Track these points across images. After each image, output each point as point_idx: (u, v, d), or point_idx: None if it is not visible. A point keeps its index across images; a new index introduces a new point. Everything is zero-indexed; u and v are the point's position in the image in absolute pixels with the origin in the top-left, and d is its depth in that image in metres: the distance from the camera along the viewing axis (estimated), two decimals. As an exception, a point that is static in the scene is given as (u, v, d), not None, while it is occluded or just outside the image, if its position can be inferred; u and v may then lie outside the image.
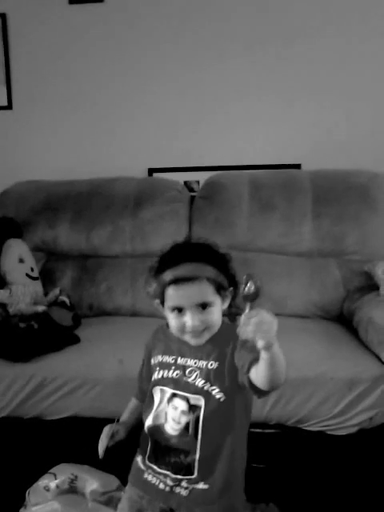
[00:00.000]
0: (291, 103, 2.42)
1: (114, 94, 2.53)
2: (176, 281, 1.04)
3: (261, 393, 0.99)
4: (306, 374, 1.60)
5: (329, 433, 1.58)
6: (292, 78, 2.40)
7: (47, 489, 1.47)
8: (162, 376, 1.12)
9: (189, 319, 1.05)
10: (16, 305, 1.92)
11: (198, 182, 2.46)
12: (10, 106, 2.59)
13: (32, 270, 2.07)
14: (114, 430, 1.16)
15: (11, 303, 1.92)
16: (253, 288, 0.93)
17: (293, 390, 1.58)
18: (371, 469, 1.58)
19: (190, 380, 1.08)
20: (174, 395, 1.09)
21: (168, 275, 1.06)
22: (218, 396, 1.06)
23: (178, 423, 1.08)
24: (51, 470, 1.50)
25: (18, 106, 2.59)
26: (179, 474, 1.07)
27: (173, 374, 1.10)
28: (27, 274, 2.03)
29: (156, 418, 1.11)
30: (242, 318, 0.90)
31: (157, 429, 1.10)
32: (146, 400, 1.15)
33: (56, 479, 1.47)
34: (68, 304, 1.98)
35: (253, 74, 2.42)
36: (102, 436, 1.15)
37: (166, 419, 1.09)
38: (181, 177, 2.44)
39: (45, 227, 2.26)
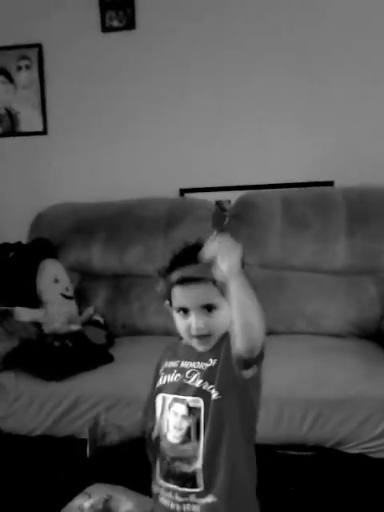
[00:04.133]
0: (323, 120, 2.41)
1: (145, 116, 2.57)
2: (182, 281, 1.03)
3: (247, 360, 0.97)
4: (344, 394, 1.56)
5: (369, 455, 1.53)
6: (323, 94, 2.40)
7: (81, 509, 1.45)
8: (165, 381, 1.09)
9: (193, 321, 1.03)
10: (51, 324, 1.94)
11: (229, 201, 2.46)
12: (45, 132, 2.68)
13: (67, 289, 2.10)
14: (107, 430, 1.11)
15: (46, 322, 1.95)
16: (219, 215, 0.92)
17: (331, 411, 1.54)
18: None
19: (189, 382, 1.05)
20: (174, 400, 1.06)
21: (175, 275, 1.05)
22: (214, 395, 1.03)
23: (180, 429, 1.04)
24: (85, 490, 1.48)
25: (53, 131, 2.67)
26: (186, 487, 1.03)
27: (174, 378, 1.08)
28: (62, 294, 2.06)
29: (160, 428, 1.08)
30: (207, 242, 0.93)
31: (161, 439, 1.07)
32: (150, 411, 1.12)
33: (90, 499, 1.45)
34: (102, 323, 1.99)
35: (284, 92, 2.43)
36: (88, 429, 1.10)
37: (167, 428, 1.06)
38: (212, 196, 2.44)
39: (79, 248, 2.29)
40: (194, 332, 1.04)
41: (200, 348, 1.06)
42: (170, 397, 1.07)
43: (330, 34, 2.38)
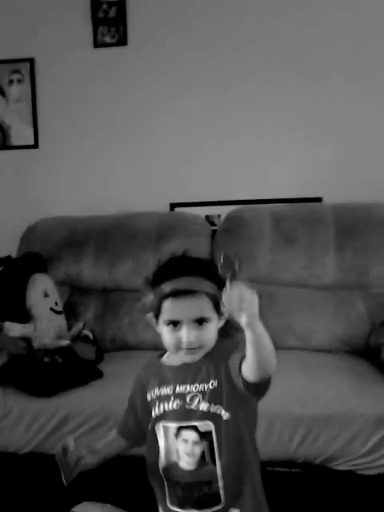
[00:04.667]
0: (312, 137, 2.44)
1: (136, 131, 2.59)
2: (175, 293, 1.00)
3: (256, 390, 0.96)
4: (333, 410, 1.57)
5: (358, 472, 1.53)
6: (312, 112, 2.44)
7: None
8: (164, 410, 1.05)
9: (184, 334, 1.00)
10: (40, 339, 1.93)
11: (219, 216, 2.47)
12: (36, 145, 2.68)
13: (56, 304, 2.09)
14: (80, 455, 1.09)
15: (35, 337, 1.94)
16: (228, 260, 0.90)
17: (320, 428, 1.55)
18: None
19: (193, 407, 1.02)
20: (180, 428, 1.03)
21: (167, 287, 1.01)
22: (223, 415, 1.01)
23: (193, 456, 1.02)
24: (74, 509, 1.47)
25: (44, 145, 2.67)
26: (207, 508, 1.03)
27: (173, 405, 1.04)
28: (52, 308, 2.05)
29: (167, 457, 1.05)
30: (224, 297, 0.89)
31: (171, 468, 1.05)
32: (149, 439, 1.09)
33: (78, 518, 1.44)
34: (91, 338, 1.99)
35: (273, 108, 2.46)
36: (58, 458, 1.09)
37: (178, 456, 1.04)
38: (202, 211, 2.46)
39: (69, 262, 2.29)
40: (185, 346, 1.01)
41: (187, 359, 1.03)
42: (173, 425, 1.04)
43: (320, 52, 2.42)
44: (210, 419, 1.02)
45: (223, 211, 2.40)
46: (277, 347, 2.02)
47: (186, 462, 1.03)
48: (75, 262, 2.29)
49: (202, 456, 1.02)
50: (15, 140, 2.69)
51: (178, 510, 1.05)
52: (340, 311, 2.07)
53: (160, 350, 1.15)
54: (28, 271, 2.13)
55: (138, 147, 2.59)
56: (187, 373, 1.05)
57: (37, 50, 2.66)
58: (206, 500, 1.03)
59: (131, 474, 1.16)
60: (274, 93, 2.46)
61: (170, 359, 1.10)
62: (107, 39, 2.58)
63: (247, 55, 2.47)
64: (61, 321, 2.06)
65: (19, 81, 2.68)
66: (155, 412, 1.07)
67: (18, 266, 2.18)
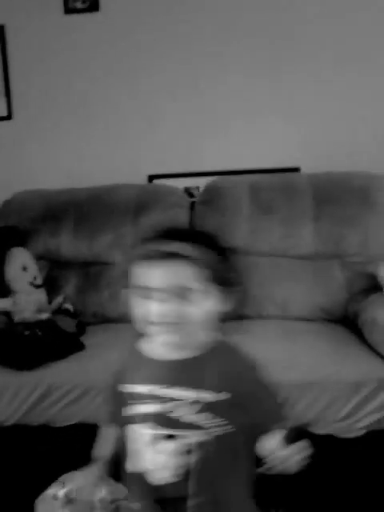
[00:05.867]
0: (289, 106, 2.44)
1: (111, 101, 2.54)
2: (148, 256, 0.84)
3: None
4: (311, 376, 1.60)
5: (338, 436, 1.58)
6: (290, 80, 2.42)
7: (55, 498, 1.46)
8: (139, 411, 0.90)
9: (155, 304, 0.82)
10: (20, 313, 1.92)
11: (198, 188, 2.46)
12: (9, 117, 2.61)
13: (35, 278, 2.07)
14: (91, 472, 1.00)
15: (15, 311, 1.93)
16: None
17: (299, 393, 1.58)
18: (381, 471, 1.57)
19: (177, 415, 0.86)
20: (160, 436, 0.88)
21: (139, 250, 0.87)
22: (216, 430, 0.87)
23: (170, 469, 0.87)
24: (60, 478, 1.49)
25: (18, 116, 2.60)
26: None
27: (153, 407, 0.88)
28: (31, 283, 2.04)
29: (137, 464, 0.91)
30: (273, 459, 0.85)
31: (141, 477, 0.90)
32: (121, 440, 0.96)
33: (64, 488, 1.46)
34: (72, 311, 1.98)
35: (252, 79, 2.44)
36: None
37: (153, 466, 0.89)
38: (181, 183, 2.45)
39: (47, 236, 2.26)
40: (154, 319, 0.83)
41: (160, 338, 0.86)
42: (147, 431, 0.89)
43: (294, 19, 2.40)
44: (197, 430, 0.87)
45: (202, 183, 2.39)
46: (256, 316, 2.07)
47: (161, 475, 0.89)
48: (53, 235, 2.26)
49: (184, 472, 0.88)
50: (-14, 112, 2.61)
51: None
52: (318, 280, 2.10)
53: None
54: (5, 245, 2.10)
55: (114, 118, 2.55)
56: (175, 372, 0.88)
57: (6, 16, 2.56)
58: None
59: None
60: (250, 62, 2.43)
61: (153, 348, 0.92)
62: (78, 5, 2.50)
63: (222, 22, 2.43)
64: (40, 295, 2.05)
65: (-11, 49, 2.59)
66: (129, 412, 0.92)
67: (-6, 241, 2.15)
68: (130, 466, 0.93)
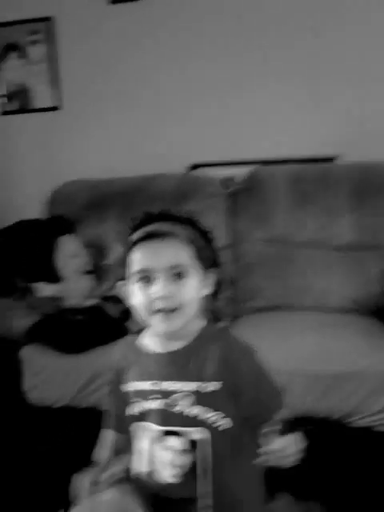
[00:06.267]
0: (327, 94, 2.42)
1: (157, 91, 2.59)
2: (144, 238, 0.86)
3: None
4: (349, 368, 1.62)
5: (374, 429, 1.59)
6: (331, 69, 2.40)
7: (93, 478, 1.55)
8: (143, 408, 0.90)
9: (157, 285, 0.84)
10: (69, 299, 2.05)
11: (236, 177, 2.50)
12: (58, 108, 2.71)
13: (84, 265, 2.20)
14: (96, 478, 0.95)
15: (65, 297, 2.06)
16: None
17: (335, 386, 1.60)
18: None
19: (181, 409, 0.86)
20: (164, 433, 0.87)
21: (134, 235, 0.89)
22: (222, 424, 0.86)
23: (177, 467, 0.86)
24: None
25: (66, 106, 2.70)
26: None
27: (156, 404, 0.88)
28: (80, 269, 2.16)
29: (142, 463, 0.90)
30: (264, 451, 0.83)
31: (150, 477, 0.89)
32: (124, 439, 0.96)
33: (103, 470, 1.56)
34: (118, 298, 2.09)
35: (292, 67, 2.43)
36: (79, 490, 0.94)
37: (160, 465, 0.88)
38: (220, 172, 2.50)
39: (94, 224, 2.38)
40: (157, 305, 0.84)
41: (161, 326, 0.86)
42: (154, 427, 0.88)
43: (333, 4, 2.35)
44: (204, 425, 0.86)
45: (241, 172, 2.42)
46: (294, 307, 2.10)
47: (168, 474, 0.87)
48: (99, 224, 2.37)
49: (191, 470, 0.86)
50: (37, 103, 2.72)
51: None
52: (355, 272, 2.11)
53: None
54: (56, 233, 2.22)
55: (159, 108, 2.60)
56: (174, 364, 0.89)
57: (55, 8, 2.64)
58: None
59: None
60: (293, 50, 2.42)
61: (150, 342, 0.94)
62: (123, -6, 2.54)
63: (262, 9, 2.42)
64: (88, 282, 2.18)
65: (39, 41, 2.69)
66: (133, 410, 0.92)
67: (45, 229, 2.27)
68: (136, 465, 0.91)
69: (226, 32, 2.48)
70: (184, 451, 0.86)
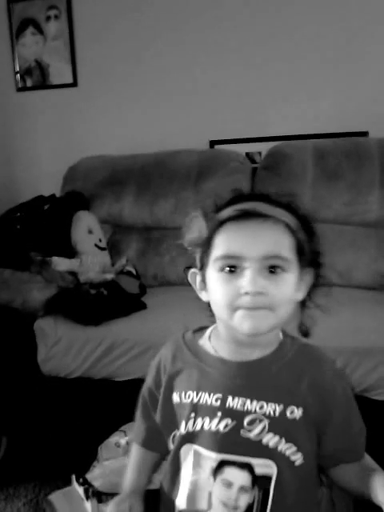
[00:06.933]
0: (357, 68, 2.32)
1: (176, 66, 2.52)
2: (238, 217, 0.68)
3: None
4: (373, 343, 1.59)
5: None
6: (360, 42, 2.30)
7: (118, 445, 1.54)
8: (199, 428, 0.70)
9: (247, 278, 0.66)
10: (86, 273, 2.00)
11: (260, 153, 2.43)
12: (75, 84, 2.66)
13: (100, 240, 2.15)
14: (128, 507, 0.77)
15: (82, 272, 2.01)
16: None
17: (359, 359, 1.57)
18: None
19: (252, 435, 0.68)
20: (222, 463, 0.68)
21: (226, 212, 0.70)
22: (295, 459, 0.69)
23: (236, 508, 0.68)
24: (121, 428, 1.57)
25: (83, 83, 2.65)
26: None
27: (218, 425, 0.69)
28: (96, 245, 2.11)
29: (191, 498, 0.71)
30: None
31: None
32: (170, 461, 0.76)
33: (126, 436, 1.54)
34: (134, 273, 2.04)
35: (319, 40, 2.34)
36: None
37: (209, 504, 0.69)
38: (242, 148, 2.42)
39: (111, 201, 2.32)
40: (244, 302, 0.66)
41: (245, 326, 0.67)
42: (212, 455, 0.69)
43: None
44: (273, 458, 0.68)
45: (264, 148, 2.35)
46: (319, 284, 2.03)
47: None
48: (117, 200, 2.32)
49: (248, 509, 0.68)
50: (54, 79, 2.68)
51: None
52: (381, 249, 2.03)
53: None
54: (72, 209, 2.19)
55: (178, 83, 2.54)
56: (247, 378, 0.71)
57: (72, -18, 2.59)
58: None
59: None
60: (319, 23, 2.33)
61: (216, 346, 0.75)
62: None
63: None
64: (105, 257, 2.13)
65: (56, 17, 2.64)
66: (185, 427, 0.72)
67: (62, 204, 2.23)
68: (182, 501, 0.72)
69: (248, 3, 2.40)
70: (242, 488, 0.68)
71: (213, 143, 2.52)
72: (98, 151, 2.52)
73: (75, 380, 1.74)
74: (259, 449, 0.68)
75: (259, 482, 0.67)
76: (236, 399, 0.69)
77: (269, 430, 0.68)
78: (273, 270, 0.68)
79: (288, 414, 0.68)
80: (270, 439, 0.68)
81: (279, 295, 0.67)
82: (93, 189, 2.35)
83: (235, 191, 0.76)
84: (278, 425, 0.68)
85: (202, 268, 0.72)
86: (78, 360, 1.71)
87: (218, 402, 0.70)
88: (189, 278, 0.75)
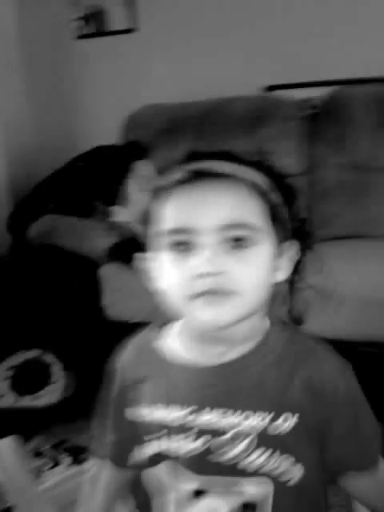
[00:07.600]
0: None
1: (234, 8, 2.45)
2: (185, 180, 0.56)
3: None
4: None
5: None
6: None
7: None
8: (172, 447, 0.57)
9: (203, 258, 0.52)
10: (144, 223, 2.09)
11: (315, 99, 2.36)
12: (134, 30, 2.63)
13: (158, 190, 2.22)
14: None
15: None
16: None
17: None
18: None
19: (237, 452, 0.55)
20: (202, 489, 0.55)
21: (174, 175, 0.58)
22: (291, 475, 0.56)
23: None
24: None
25: (142, 29, 2.62)
26: None
27: (195, 442, 0.56)
28: (154, 195, 2.19)
29: None
30: None
31: None
32: (135, 487, 0.63)
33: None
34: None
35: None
36: None
37: None
38: (300, 93, 2.36)
39: (167, 151, 2.35)
40: (200, 286, 0.53)
41: (206, 314, 0.54)
42: (189, 479, 0.56)
43: None
44: (267, 476, 0.55)
45: (323, 93, 2.29)
46: (371, 235, 2.03)
47: None
48: (173, 149, 2.35)
49: None
50: (113, 25, 2.66)
51: None
52: None
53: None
54: (131, 159, 2.25)
55: (235, 25, 2.46)
56: (224, 384, 0.57)
57: None
58: None
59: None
60: None
61: (180, 347, 0.62)
62: None
63: None
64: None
65: None
66: (151, 448, 0.59)
67: (122, 154, 2.31)
68: None
69: None
70: None
71: (271, 88, 2.47)
72: (157, 99, 2.51)
73: (138, 324, 1.84)
74: (241, 469, 0.55)
75: (251, 506, 0.55)
76: (215, 411, 0.56)
77: (258, 445, 0.55)
78: (236, 243, 0.53)
79: (280, 423, 0.55)
80: (260, 455, 0.54)
81: (247, 275, 0.53)
82: (151, 138, 2.39)
83: (189, 151, 0.62)
84: (268, 437, 0.54)
85: (149, 250, 0.57)
86: (140, 305, 1.81)
87: (192, 416, 0.56)
88: (140, 267, 0.60)
